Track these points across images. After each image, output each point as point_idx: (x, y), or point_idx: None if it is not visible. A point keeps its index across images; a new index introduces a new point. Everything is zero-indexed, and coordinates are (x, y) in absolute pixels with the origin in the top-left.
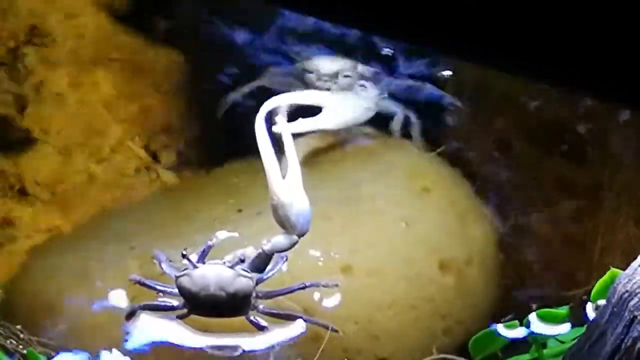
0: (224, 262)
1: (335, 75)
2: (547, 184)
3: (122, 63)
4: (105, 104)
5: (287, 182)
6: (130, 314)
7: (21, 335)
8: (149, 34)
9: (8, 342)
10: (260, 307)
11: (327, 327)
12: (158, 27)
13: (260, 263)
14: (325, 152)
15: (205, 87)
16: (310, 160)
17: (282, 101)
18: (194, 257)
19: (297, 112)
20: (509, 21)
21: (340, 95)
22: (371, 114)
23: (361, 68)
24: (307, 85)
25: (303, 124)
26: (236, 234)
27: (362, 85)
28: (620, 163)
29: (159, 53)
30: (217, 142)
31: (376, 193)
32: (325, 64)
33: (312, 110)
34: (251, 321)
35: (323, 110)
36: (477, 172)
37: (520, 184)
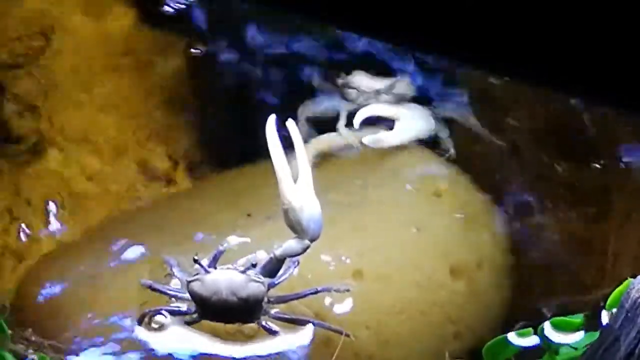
0: (236, 267)
1: (376, 93)
2: (557, 189)
3: (131, 66)
4: (114, 108)
5: (298, 187)
6: (142, 319)
7: (32, 338)
8: (161, 36)
9: (18, 346)
10: (272, 312)
11: (339, 332)
12: (170, 29)
13: (272, 268)
14: (334, 156)
15: (216, 90)
16: (319, 164)
17: (370, 112)
18: (205, 262)
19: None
20: (517, 29)
21: (409, 109)
22: (433, 127)
23: (401, 87)
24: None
25: (380, 139)
26: (248, 239)
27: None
28: (630, 168)
29: (169, 55)
30: (226, 145)
31: (386, 198)
32: (367, 81)
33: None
34: (263, 326)
35: (397, 124)
36: (487, 177)
37: (530, 189)
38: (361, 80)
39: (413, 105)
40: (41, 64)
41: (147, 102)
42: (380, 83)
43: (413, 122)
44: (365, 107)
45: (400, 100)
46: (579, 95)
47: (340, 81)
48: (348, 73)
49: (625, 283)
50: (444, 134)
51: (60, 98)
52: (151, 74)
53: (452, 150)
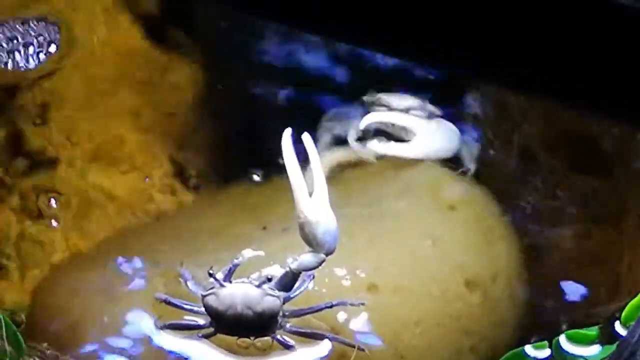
0: (251, 281)
1: (406, 111)
2: (572, 201)
3: (144, 79)
4: (127, 121)
5: (313, 200)
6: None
7: (48, 352)
8: (172, 47)
9: None
10: (287, 326)
11: (353, 346)
12: (181, 40)
13: (288, 282)
14: (348, 169)
15: (228, 101)
16: (333, 177)
17: (379, 118)
18: (220, 276)
19: None
20: (531, 42)
21: (433, 124)
22: (457, 147)
23: (430, 106)
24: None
25: (390, 147)
26: (262, 253)
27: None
28: None
29: (181, 66)
30: (240, 157)
31: (401, 210)
32: (396, 99)
33: None
34: (278, 340)
35: (415, 138)
36: (502, 190)
37: (545, 201)
38: (390, 98)
39: (442, 122)
40: (54, 76)
41: (160, 115)
42: (411, 100)
43: (433, 137)
44: (375, 112)
45: (430, 116)
46: (593, 107)
47: (368, 98)
48: (377, 90)
49: None
50: (468, 152)
51: (73, 110)
52: (164, 87)
53: (472, 170)
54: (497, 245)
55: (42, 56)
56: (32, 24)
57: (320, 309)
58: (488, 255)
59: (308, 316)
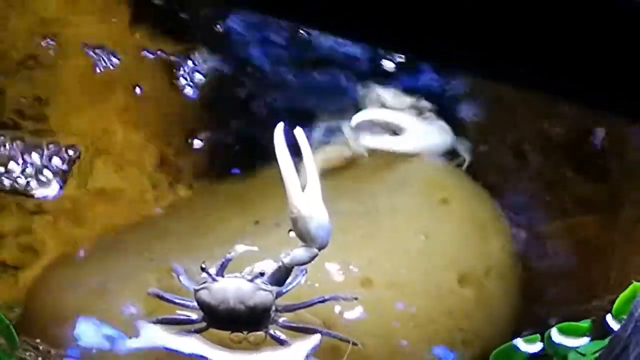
0: (243, 276)
1: (400, 108)
2: (565, 196)
3: (138, 73)
4: (120, 116)
5: (306, 195)
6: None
7: (41, 348)
8: (167, 43)
9: (27, 354)
10: (280, 320)
11: (346, 341)
12: (177, 37)
13: (280, 276)
14: (342, 165)
15: (222, 97)
16: (327, 173)
17: (371, 115)
18: (212, 270)
19: None
20: (528, 38)
21: (424, 121)
22: (449, 143)
23: (423, 102)
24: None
25: (382, 141)
26: (255, 248)
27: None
28: (638, 175)
29: (173, 62)
30: (233, 153)
31: (394, 205)
32: (391, 96)
33: None
34: (271, 335)
35: (405, 132)
36: (496, 184)
37: (539, 196)
38: (385, 94)
39: (434, 121)
40: (47, 68)
41: (154, 112)
42: (405, 98)
43: (423, 133)
44: (368, 109)
45: (423, 114)
46: (588, 104)
47: (363, 94)
48: (372, 87)
49: (630, 288)
50: (462, 146)
51: (66, 104)
52: (156, 81)
53: (467, 162)
54: (490, 241)
55: None
56: None
57: (313, 304)
58: (482, 250)
59: (301, 311)
